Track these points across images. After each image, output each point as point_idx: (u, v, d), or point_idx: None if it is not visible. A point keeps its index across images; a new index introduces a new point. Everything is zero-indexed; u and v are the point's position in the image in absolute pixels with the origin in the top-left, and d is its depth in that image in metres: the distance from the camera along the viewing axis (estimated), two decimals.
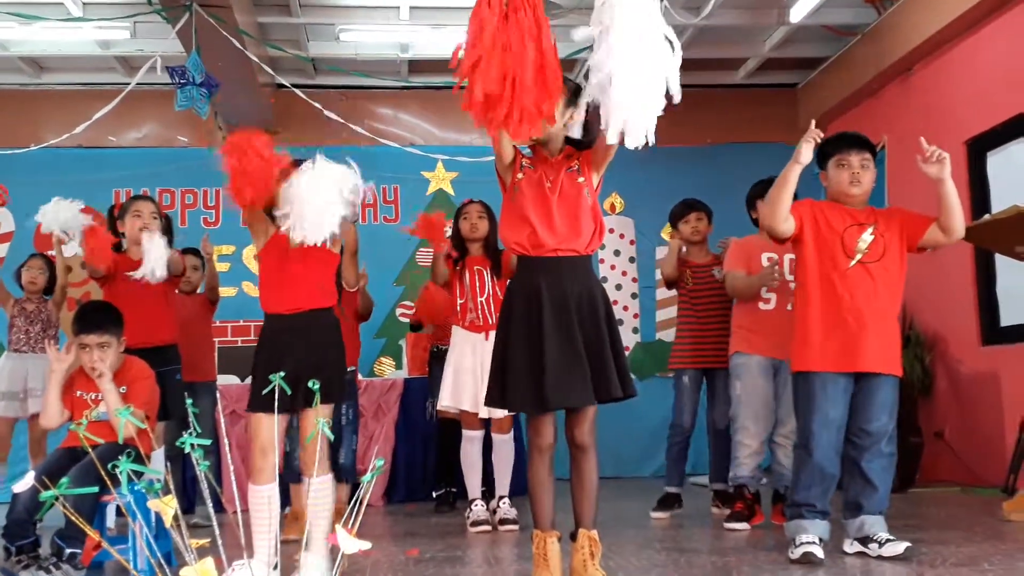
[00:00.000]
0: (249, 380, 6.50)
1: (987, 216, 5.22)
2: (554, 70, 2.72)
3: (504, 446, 4.97)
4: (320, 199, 3.16)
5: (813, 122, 3.66)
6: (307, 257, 3.36)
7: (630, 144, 2.79)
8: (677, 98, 2.78)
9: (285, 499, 4.03)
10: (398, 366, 7.85)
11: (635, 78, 2.73)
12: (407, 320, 8.01)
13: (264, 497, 3.27)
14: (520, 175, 3.12)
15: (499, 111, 2.69)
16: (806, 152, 3.61)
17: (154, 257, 4.30)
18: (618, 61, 2.73)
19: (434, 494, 6.00)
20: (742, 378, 4.66)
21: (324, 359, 3.33)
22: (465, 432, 5.00)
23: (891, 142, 7.16)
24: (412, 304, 7.95)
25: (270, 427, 3.29)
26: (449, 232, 5.13)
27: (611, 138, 2.79)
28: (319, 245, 3.23)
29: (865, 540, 3.62)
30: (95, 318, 3.99)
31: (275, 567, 3.12)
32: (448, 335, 5.36)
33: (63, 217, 4.83)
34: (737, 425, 4.68)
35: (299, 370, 3.14)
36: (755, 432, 4.61)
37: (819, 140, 3.61)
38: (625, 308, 8.13)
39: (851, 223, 3.71)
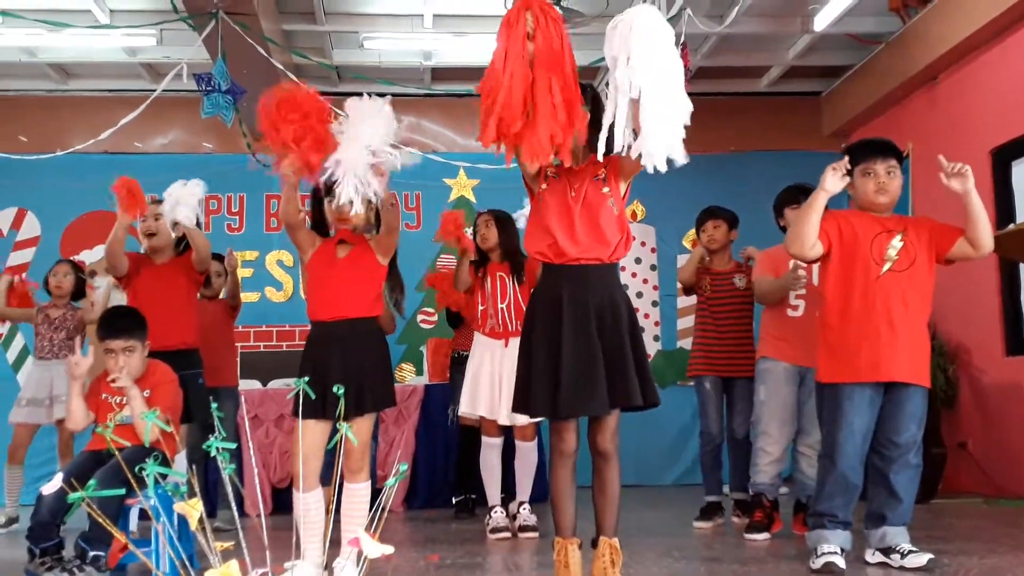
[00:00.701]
0: (271, 385, 6.61)
1: (1012, 226, 5.19)
2: (572, 101, 2.76)
3: (528, 453, 4.97)
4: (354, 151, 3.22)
5: (846, 159, 3.61)
6: (354, 265, 3.40)
7: (651, 165, 2.81)
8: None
9: None
10: (419, 372, 7.87)
11: (660, 101, 2.76)
12: (429, 326, 8.05)
13: (310, 503, 3.30)
14: (544, 185, 3.13)
15: (511, 134, 2.75)
16: (831, 181, 3.57)
17: (176, 201, 4.28)
18: (642, 82, 2.76)
19: (454, 500, 6.00)
20: (767, 383, 4.62)
21: (365, 367, 3.35)
22: (485, 439, 5.01)
23: (916, 151, 7.12)
24: (432, 310, 7.97)
25: (314, 434, 3.32)
26: (470, 232, 5.19)
27: (644, 162, 2.82)
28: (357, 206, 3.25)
29: (887, 551, 3.59)
30: (120, 323, 4.03)
31: (325, 568, 3.16)
32: (469, 340, 5.38)
33: (190, 201, 4.53)
34: (759, 431, 4.65)
35: (340, 378, 3.15)
36: (777, 438, 4.58)
37: (845, 172, 3.58)
38: (646, 316, 8.11)
39: (880, 230, 3.66)
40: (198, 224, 4.56)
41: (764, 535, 4.50)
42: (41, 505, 3.67)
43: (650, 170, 2.84)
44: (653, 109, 2.77)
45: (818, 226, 3.64)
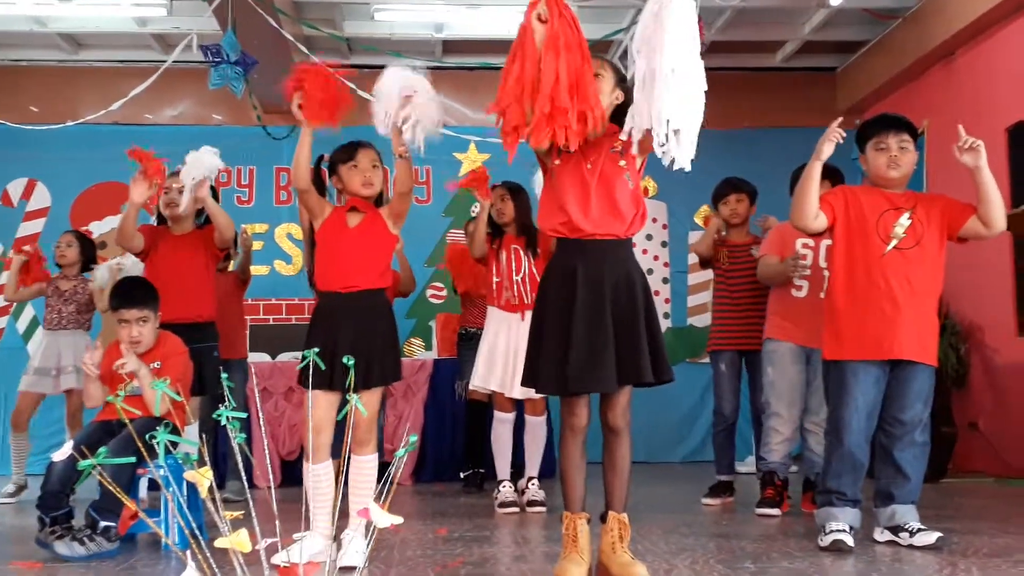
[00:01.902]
0: (280, 358, 6.62)
1: None
2: (581, 85, 2.81)
3: (537, 428, 4.97)
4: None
5: (838, 120, 3.61)
6: (365, 236, 3.39)
7: (671, 159, 2.82)
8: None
9: None
10: (428, 347, 7.88)
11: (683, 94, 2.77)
12: (438, 300, 8.04)
13: (320, 474, 3.31)
14: (558, 160, 3.08)
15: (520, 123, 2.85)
16: (827, 150, 3.58)
17: (193, 164, 4.31)
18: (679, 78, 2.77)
19: (462, 475, 6.02)
20: (774, 364, 4.63)
21: (374, 340, 3.34)
22: (497, 414, 5.01)
23: (932, 127, 7.06)
24: (443, 285, 7.96)
25: (324, 406, 3.33)
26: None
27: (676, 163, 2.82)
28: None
29: (896, 529, 3.59)
30: (134, 293, 4.03)
31: (333, 539, 3.17)
32: (476, 317, 5.36)
33: (208, 164, 4.50)
34: (769, 411, 4.66)
35: (348, 351, 3.14)
36: (787, 418, 4.59)
37: (842, 140, 3.56)
38: (656, 293, 8.08)
39: (888, 207, 3.63)
40: (215, 195, 4.55)
41: (775, 510, 4.50)
42: (51, 474, 3.69)
43: (667, 163, 2.83)
44: (687, 110, 2.77)
45: (817, 196, 3.63)
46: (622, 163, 3.05)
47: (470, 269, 5.65)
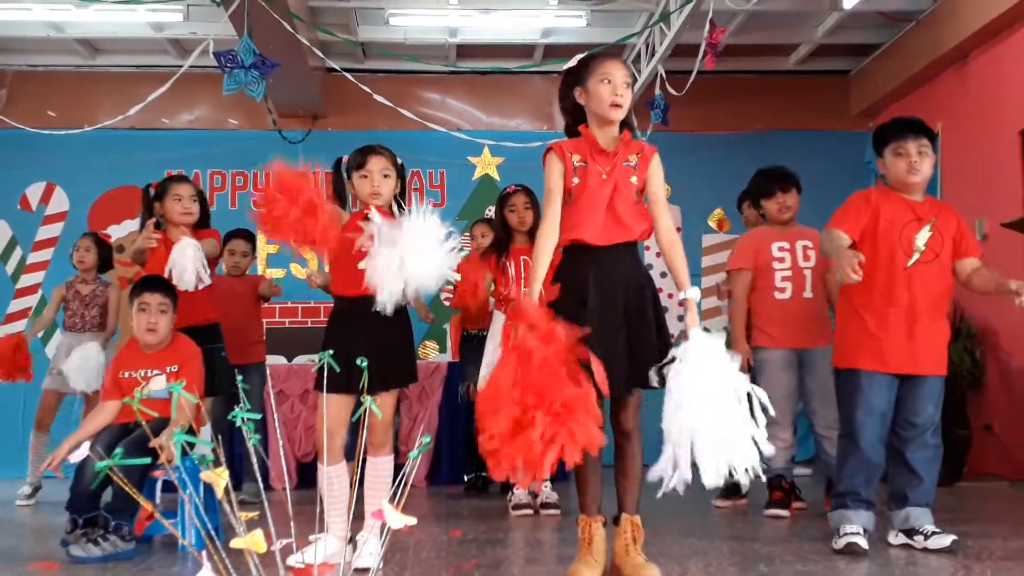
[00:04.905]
0: (296, 361, 6.66)
1: None
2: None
3: None
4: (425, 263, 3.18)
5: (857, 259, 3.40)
6: None
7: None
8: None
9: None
10: (442, 350, 7.89)
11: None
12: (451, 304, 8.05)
13: (333, 476, 3.33)
14: (575, 179, 3.10)
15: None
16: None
17: (181, 269, 4.25)
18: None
19: (465, 478, 6.04)
20: (764, 374, 4.58)
21: (389, 343, 3.36)
22: None
23: (945, 130, 7.04)
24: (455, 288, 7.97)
25: (338, 408, 3.35)
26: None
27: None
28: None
29: (910, 532, 3.59)
30: (157, 282, 4.06)
31: (349, 541, 3.19)
32: (480, 320, 5.37)
33: (192, 257, 4.32)
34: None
35: (364, 353, 3.15)
36: (784, 425, 4.55)
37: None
38: (670, 296, 8.06)
39: (911, 218, 3.61)
40: (205, 211, 4.58)
41: (784, 511, 4.52)
42: (83, 475, 3.68)
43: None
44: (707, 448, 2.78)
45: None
46: (634, 179, 3.10)
47: (478, 311, 5.57)
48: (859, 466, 3.60)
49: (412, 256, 3.16)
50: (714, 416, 2.76)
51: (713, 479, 2.75)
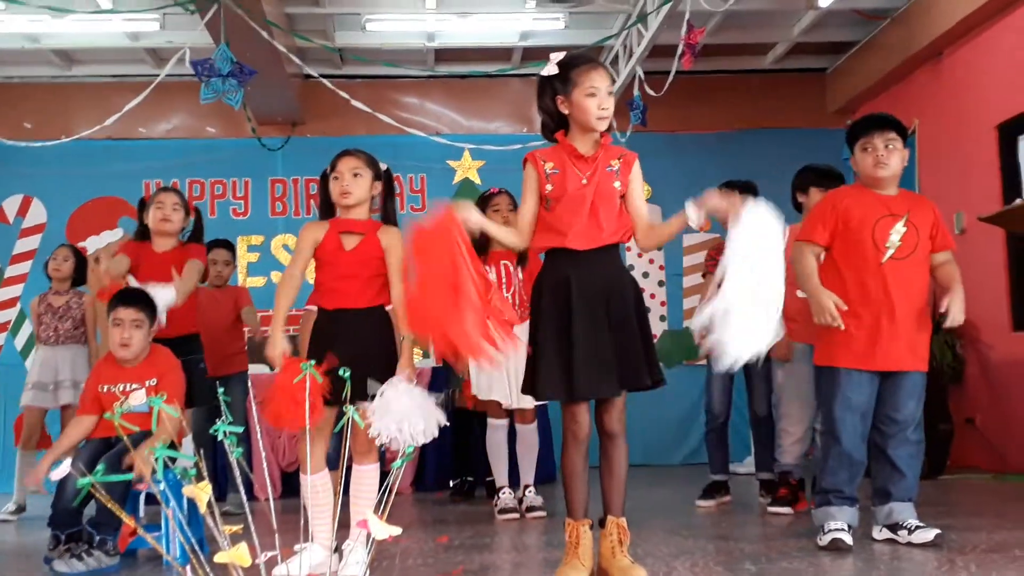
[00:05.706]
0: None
1: (1018, 200, 5.16)
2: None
3: (530, 436, 4.97)
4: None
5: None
6: (360, 259, 3.37)
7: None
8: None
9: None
10: (425, 355, 7.87)
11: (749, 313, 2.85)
12: None
13: (316, 485, 3.31)
14: (549, 186, 3.10)
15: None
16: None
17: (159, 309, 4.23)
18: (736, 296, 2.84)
19: (451, 483, 6.03)
20: (784, 365, 4.61)
21: (369, 353, 3.33)
22: (490, 420, 5.01)
23: (922, 126, 7.09)
24: None
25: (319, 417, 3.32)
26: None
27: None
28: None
29: (894, 527, 3.60)
30: (135, 294, 4.03)
31: (335, 550, 3.17)
32: None
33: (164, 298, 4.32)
34: (781, 412, 4.65)
35: (346, 363, 3.13)
36: (799, 418, 4.58)
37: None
38: (652, 296, 8.10)
39: (884, 214, 3.62)
40: (199, 219, 4.63)
41: (788, 508, 4.52)
42: (64, 490, 3.66)
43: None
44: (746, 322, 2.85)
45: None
46: (616, 184, 3.10)
47: None
48: (841, 463, 3.61)
49: (409, 420, 3.14)
50: (752, 293, 2.84)
51: (730, 360, 2.86)
